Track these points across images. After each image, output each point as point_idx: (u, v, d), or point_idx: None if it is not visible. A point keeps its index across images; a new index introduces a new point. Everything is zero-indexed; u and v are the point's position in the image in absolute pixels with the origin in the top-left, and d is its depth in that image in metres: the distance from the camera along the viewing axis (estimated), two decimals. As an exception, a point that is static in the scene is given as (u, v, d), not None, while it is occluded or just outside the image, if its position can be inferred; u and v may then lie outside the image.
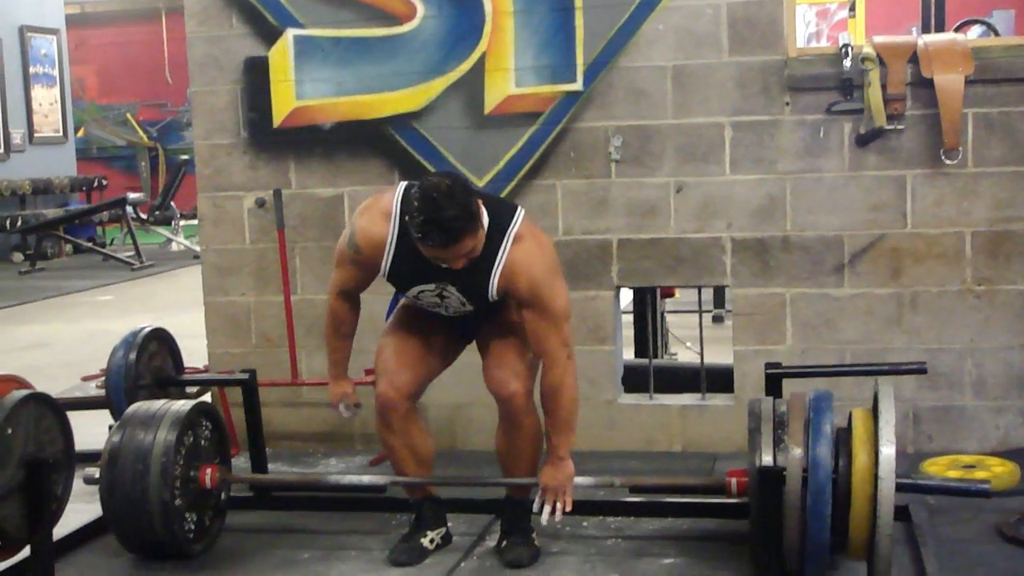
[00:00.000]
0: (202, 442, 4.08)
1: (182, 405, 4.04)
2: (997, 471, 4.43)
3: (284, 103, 5.24)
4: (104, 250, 14.51)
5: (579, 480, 3.88)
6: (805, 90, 4.85)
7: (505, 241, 3.68)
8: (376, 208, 3.82)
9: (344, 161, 5.24)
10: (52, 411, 3.77)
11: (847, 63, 4.78)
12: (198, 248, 14.22)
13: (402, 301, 4.05)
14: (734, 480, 3.67)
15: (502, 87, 5.06)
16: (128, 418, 4.01)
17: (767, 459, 3.27)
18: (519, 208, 3.81)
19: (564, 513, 3.85)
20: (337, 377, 4.09)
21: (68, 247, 14.72)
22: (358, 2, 5.13)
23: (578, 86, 5.01)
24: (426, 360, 3.95)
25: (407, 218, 3.60)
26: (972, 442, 4.87)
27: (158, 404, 4.06)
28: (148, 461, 3.87)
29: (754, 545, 3.34)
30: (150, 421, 3.95)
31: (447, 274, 3.70)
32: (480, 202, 3.63)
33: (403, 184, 3.77)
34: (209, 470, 4.04)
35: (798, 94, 4.86)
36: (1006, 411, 4.86)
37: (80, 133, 18.29)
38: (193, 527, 4.01)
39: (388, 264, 3.76)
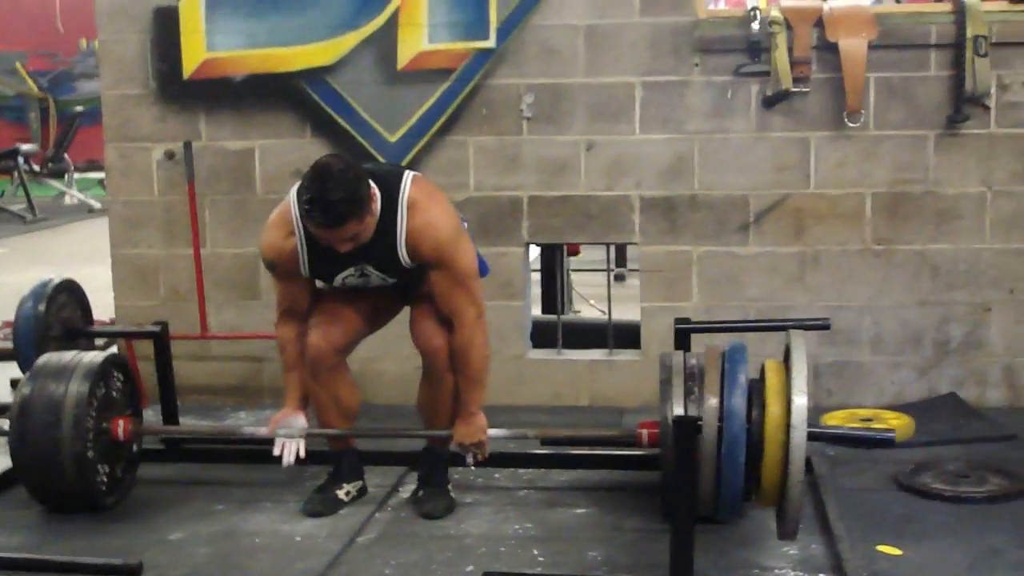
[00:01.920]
0: (114, 394, 4.06)
1: (94, 356, 4.02)
2: (893, 424, 4.60)
3: (194, 54, 5.19)
4: (-6, 202, 14.18)
5: (492, 432, 3.94)
6: (714, 52, 4.94)
7: (400, 209, 3.70)
8: (274, 223, 3.83)
9: (255, 114, 5.21)
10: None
11: (755, 26, 4.88)
12: (93, 201, 14.09)
13: None
14: (645, 432, 3.76)
15: (415, 43, 5.07)
16: (39, 369, 3.97)
17: (679, 410, 3.37)
18: (405, 172, 3.81)
19: (478, 463, 3.93)
20: (287, 403, 4.00)
21: (-44, 199, 14.35)
22: (270, -46, 5.10)
23: (491, 43, 5.04)
24: (358, 318, 3.97)
25: (297, 191, 3.63)
26: (869, 396, 5.04)
27: (69, 355, 4.03)
28: (60, 413, 3.84)
29: (666, 494, 3.43)
30: (62, 372, 3.92)
31: (360, 255, 3.72)
32: (372, 189, 3.62)
33: (294, 187, 3.75)
34: (122, 422, 4.03)
35: (707, 55, 4.95)
36: (901, 367, 5.04)
37: (-34, 82, 17.80)
38: (105, 479, 3.99)
39: (306, 266, 3.79)
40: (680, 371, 3.45)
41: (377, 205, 3.66)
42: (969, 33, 4.77)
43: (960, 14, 4.80)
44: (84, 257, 9.11)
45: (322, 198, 3.49)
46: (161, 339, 4.64)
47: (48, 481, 3.89)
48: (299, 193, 3.60)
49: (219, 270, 5.31)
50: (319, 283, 3.95)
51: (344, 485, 4.03)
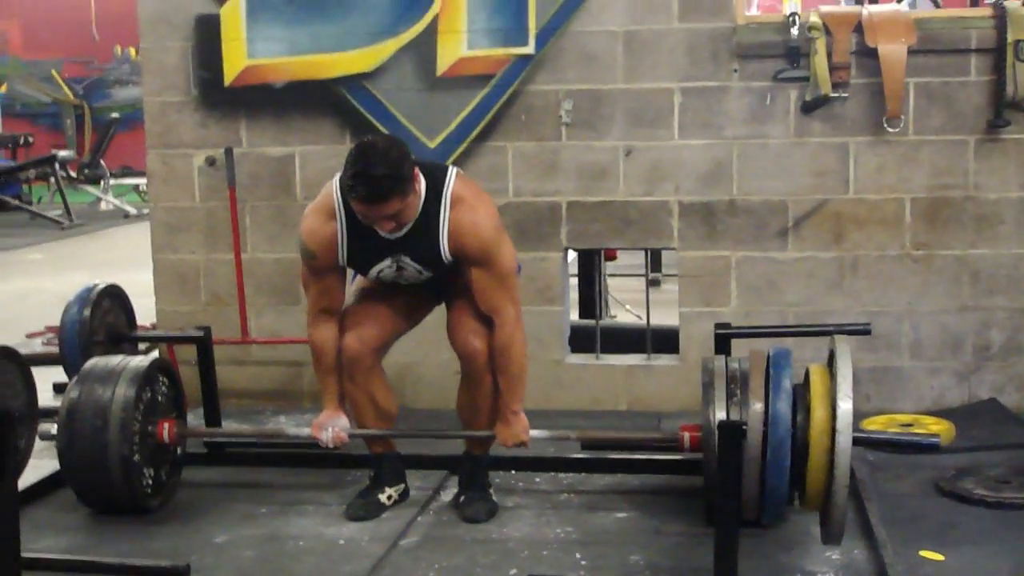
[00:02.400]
0: (159, 398, 4.11)
1: (140, 361, 4.07)
2: (934, 430, 4.59)
3: (235, 61, 5.24)
4: (31, 208, 14.30)
5: (534, 433, 3.95)
6: (753, 57, 4.95)
7: (443, 202, 3.74)
8: (315, 209, 3.86)
9: (295, 120, 5.25)
10: (15, 365, 3.79)
11: (794, 31, 4.89)
12: (129, 207, 14.19)
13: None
14: (687, 435, 3.77)
15: (454, 49, 5.10)
16: (86, 373, 4.02)
17: (721, 414, 3.38)
18: (451, 167, 3.86)
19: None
20: (326, 407, 4.02)
21: (-7, 205, 14.48)
22: (311, -39, 5.14)
23: (530, 49, 5.06)
24: (392, 318, 4.00)
25: (341, 175, 3.66)
26: (908, 402, 5.03)
27: (116, 360, 4.08)
28: (107, 416, 3.88)
29: (710, 497, 3.44)
30: (108, 377, 3.97)
31: (398, 246, 3.76)
32: (416, 171, 3.66)
33: (336, 175, 3.80)
34: (167, 425, 4.07)
35: (746, 61, 4.96)
36: (941, 372, 5.03)
37: (3, 89, 17.95)
38: (151, 482, 4.04)
39: (344, 252, 3.81)
40: (722, 375, 3.46)
41: (421, 187, 3.69)
42: (1010, 38, 4.76)
43: (1001, 19, 4.80)
44: (121, 262, 9.20)
45: (366, 172, 3.53)
46: (204, 343, 4.68)
47: (95, 484, 3.94)
48: (343, 171, 3.62)
49: (259, 275, 5.35)
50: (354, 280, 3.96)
51: (386, 489, 4.05)
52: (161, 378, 4.13)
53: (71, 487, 4.04)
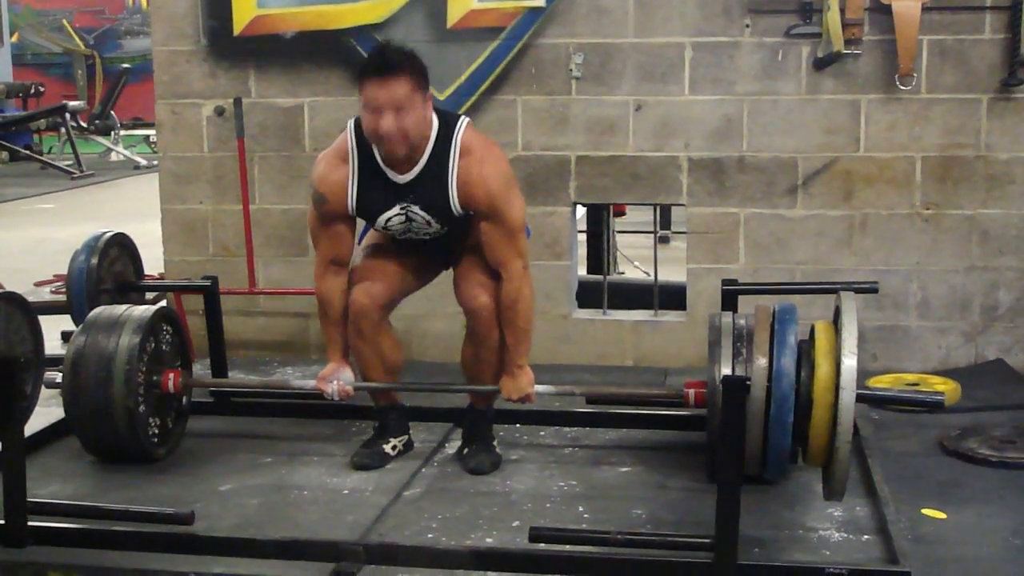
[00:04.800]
0: (164, 347, 4.11)
1: (144, 311, 4.05)
2: (939, 389, 4.58)
3: (245, 11, 5.22)
4: (42, 158, 14.31)
5: (539, 388, 3.95)
6: (765, 12, 4.91)
7: (454, 147, 3.73)
8: (328, 154, 3.87)
9: (305, 71, 5.23)
10: (22, 311, 3.79)
11: (807, -13, 4.84)
12: (139, 158, 14.19)
13: (371, 233, 4.09)
14: (692, 391, 3.77)
15: (465, 1, 5.07)
16: (90, 323, 4.01)
17: (726, 370, 3.38)
18: (462, 116, 3.85)
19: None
20: (330, 358, 4.01)
21: (4, 154, 14.50)
22: (321, -89, 5.11)
23: (540, 2, 5.03)
24: (400, 275, 4.00)
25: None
26: (915, 362, 5.03)
27: (120, 309, 4.07)
28: (112, 367, 3.87)
29: (712, 454, 3.44)
30: (112, 327, 3.96)
31: (408, 191, 3.75)
32: (430, 91, 3.73)
33: (352, 119, 3.81)
34: (171, 375, 4.07)
35: (758, 16, 4.92)
36: (948, 332, 5.02)
37: (14, 38, 17.92)
38: (157, 431, 4.05)
39: (354, 198, 3.80)
40: (729, 332, 3.45)
41: (433, 119, 3.72)
42: (1025, -4, 4.72)
43: (1016, -24, 4.75)
44: (131, 213, 9.20)
45: (381, 50, 3.65)
46: (212, 293, 4.69)
47: (100, 434, 3.95)
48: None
49: (267, 226, 5.35)
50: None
51: (391, 439, 4.07)
52: (165, 327, 4.13)
53: (77, 436, 4.05)
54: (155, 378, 4.03)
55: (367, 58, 3.71)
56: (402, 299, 4.10)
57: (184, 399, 4.20)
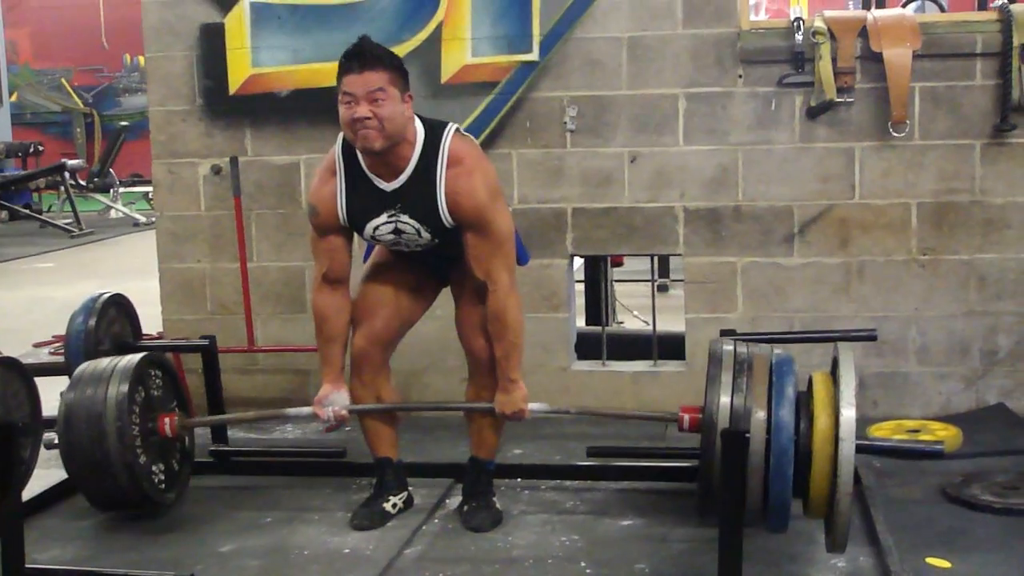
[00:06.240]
0: (154, 392, 4.04)
1: (129, 360, 3.97)
2: (941, 435, 4.58)
3: (240, 70, 5.25)
4: (41, 217, 14.35)
5: (533, 406, 3.91)
6: (757, 63, 4.94)
7: (441, 155, 3.73)
8: (319, 170, 3.91)
9: (300, 129, 5.26)
10: (19, 376, 3.79)
11: (799, 37, 4.87)
12: (138, 215, 14.23)
13: (373, 253, 4.10)
14: (687, 416, 3.72)
15: (459, 56, 5.11)
16: (76, 380, 3.95)
17: (725, 399, 3.35)
18: (450, 123, 3.84)
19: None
20: (325, 379, 3.98)
21: (3, 214, 14.55)
22: (315, -30, 5.15)
23: (534, 56, 5.06)
24: (398, 309, 4.00)
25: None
26: (916, 407, 5.02)
27: (105, 362, 3.99)
28: (103, 424, 3.80)
29: (706, 482, 3.40)
30: (99, 381, 3.89)
31: (396, 198, 3.75)
32: (411, 107, 3.74)
33: (339, 135, 3.84)
34: (167, 419, 4.02)
35: (751, 66, 4.95)
36: (948, 377, 5.01)
37: (13, 98, 18.02)
38: (163, 477, 4.02)
39: (343, 208, 3.81)
40: (730, 358, 3.46)
41: (412, 116, 3.73)
42: (1015, 42, 4.75)
43: (1006, 23, 4.78)
44: (130, 271, 9.22)
45: (359, 44, 3.68)
46: (210, 352, 4.69)
47: (105, 490, 3.90)
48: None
49: (265, 284, 5.36)
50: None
51: (391, 497, 4.05)
52: (153, 372, 4.07)
53: (82, 494, 4.02)
54: (151, 425, 3.97)
55: (344, 54, 3.68)
56: (403, 333, 4.09)
57: (186, 439, 4.16)
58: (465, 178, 3.73)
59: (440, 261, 3.99)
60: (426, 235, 3.82)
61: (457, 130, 3.82)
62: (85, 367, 4.04)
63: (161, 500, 3.98)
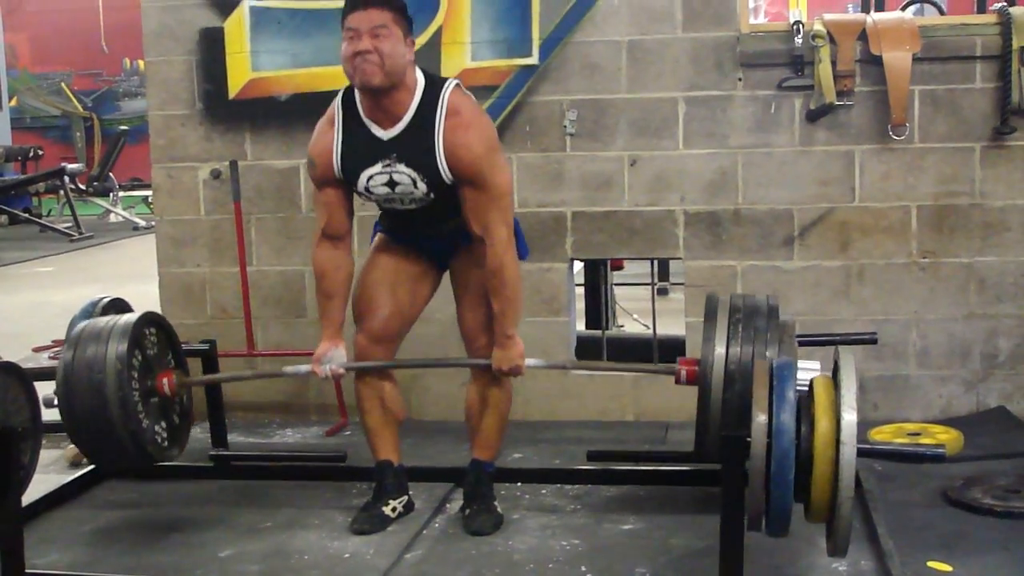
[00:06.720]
0: (150, 351, 3.99)
1: (125, 323, 3.89)
2: (942, 438, 4.57)
3: (240, 74, 5.25)
4: (41, 221, 14.35)
5: (529, 361, 3.93)
6: (757, 66, 4.94)
7: (440, 105, 3.73)
8: (320, 122, 3.92)
9: (300, 133, 5.22)
10: (19, 380, 3.77)
11: (798, 40, 4.87)
12: (138, 219, 14.23)
13: (371, 247, 4.09)
14: (684, 369, 3.79)
15: (458, 61, 5.10)
16: (73, 338, 3.89)
17: (720, 349, 3.57)
18: (450, 79, 3.86)
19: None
20: (324, 336, 3.97)
21: (3, 218, 14.55)
22: (314, -26, 5.15)
23: (534, 60, 5.06)
24: (398, 304, 4.00)
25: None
26: (916, 411, 5.01)
27: (102, 323, 3.93)
28: (104, 391, 3.74)
29: (703, 432, 3.53)
30: (98, 340, 3.83)
31: (392, 147, 3.75)
32: (412, 36, 3.76)
33: (343, 89, 3.87)
34: (166, 379, 3.98)
35: (750, 70, 4.95)
36: (949, 380, 5.01)
37: (13, 102, 18.02)
38: (165, 435, 3.99)
39: (338, 157, 3.82)
40: (725, 309, 3.52)
41: (413, 61, 3.74)
42: (1015, 45, 4.75)
43: (1006, 25, 4.78)
44: (130, 275, 9.22)
45: None
46: (210, 357, 4.68)
47: (108, 456, 3.91)
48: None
49: (265, 288, 5.36)
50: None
51: (390, 501, 4.04)
52: (147, 332, 4.02)
53: (83, 455, 4.08)
54: (150, 383, 3.93)
55: None
56: (407, 328, 4.08)
57: (184, 397, 4.13)
58: (463, 130, 3.73)
59: (438, 241, 3.98)
60: (422, 186, 3.79)
61: (458, 85, 3.82)
62: (81, 329, 3.93)
63: (165, 458, 3.99)
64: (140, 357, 3.93)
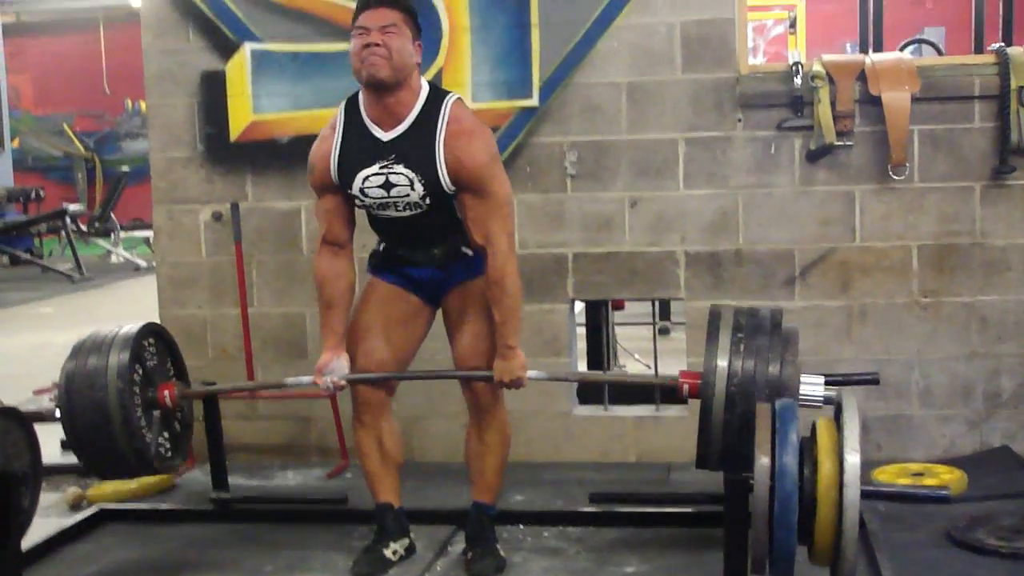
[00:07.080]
0: (150, 364, 4.08)
1: (126, 337, 4.02)
2: (945, 478, 4.55)
3: (241, 117, 5.27)
4: (42, 262, 14.36)
5: (531, 373, 3.91)
6: (757, 107, 4.95)
7: (443, 111, 3.77)
8: (323, 129, 3.96)
9: (301, 175, 5.12)
10: (19, 425, 3.77)
11: (797, 81, 4.89)
12: (139, 260, 14.23)
13: (365, 286, 4.08)
14: (686, 384, 3.81)
15: (459, 102, 5.11)
16: (76, 350, 4.03)
17: (723, 363, 3.61)
18: (451, 92, 3.90)
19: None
20: (326, 346, 3.97)
21: (4, 259, 14.56)
22: (315, 17, 5.17)
23: (534, 102, 5.08)
24: (392, 347, 3.98)
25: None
26: (919, 450, 5.00)
27: (102, 335, 4.09)
28: (106, 406, 3.85)
29: (705, 441, 3.57)
30: (99, 350, 3.97)
31: (391, 149, 3.76)
32: (420, 42, 3.81)
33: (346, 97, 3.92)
34: (167, 391, 4.06)
35: (750, 111, 4.96)
36: (952, 420, 4.99)
37: (15, 143, 18.08)
38: (168, 445, 4.07)
39: (336, 159, 3.84)
40: (728, 328, 3.51)
41: (419, 62, 3.79)
42: (1013, 84, 4.77)
43: (1004, 65, 4.80)
44: (131, 316, 9.14)
45: None
46: (211, 399, 4.66)
47: (112, 469, 4.03)
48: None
49: (266, 329, 5.35)
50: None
51: (391, 544, 4.01)
52: (146, 344, 4.10)
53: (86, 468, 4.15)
54: (151, 395, 4.03)
55: None
56: (401, 363, 4.05)
57: (185, 407, 4.23)
58: (466, 138, 3.75)
59: (428, 270, 3.96)
60: (419, 187, 3.78)
61: (460, 98, 3.86)
62: (84, 340, 4.07)
63: (169, 467, 4.07)
64: (141, 371, 4.01)
